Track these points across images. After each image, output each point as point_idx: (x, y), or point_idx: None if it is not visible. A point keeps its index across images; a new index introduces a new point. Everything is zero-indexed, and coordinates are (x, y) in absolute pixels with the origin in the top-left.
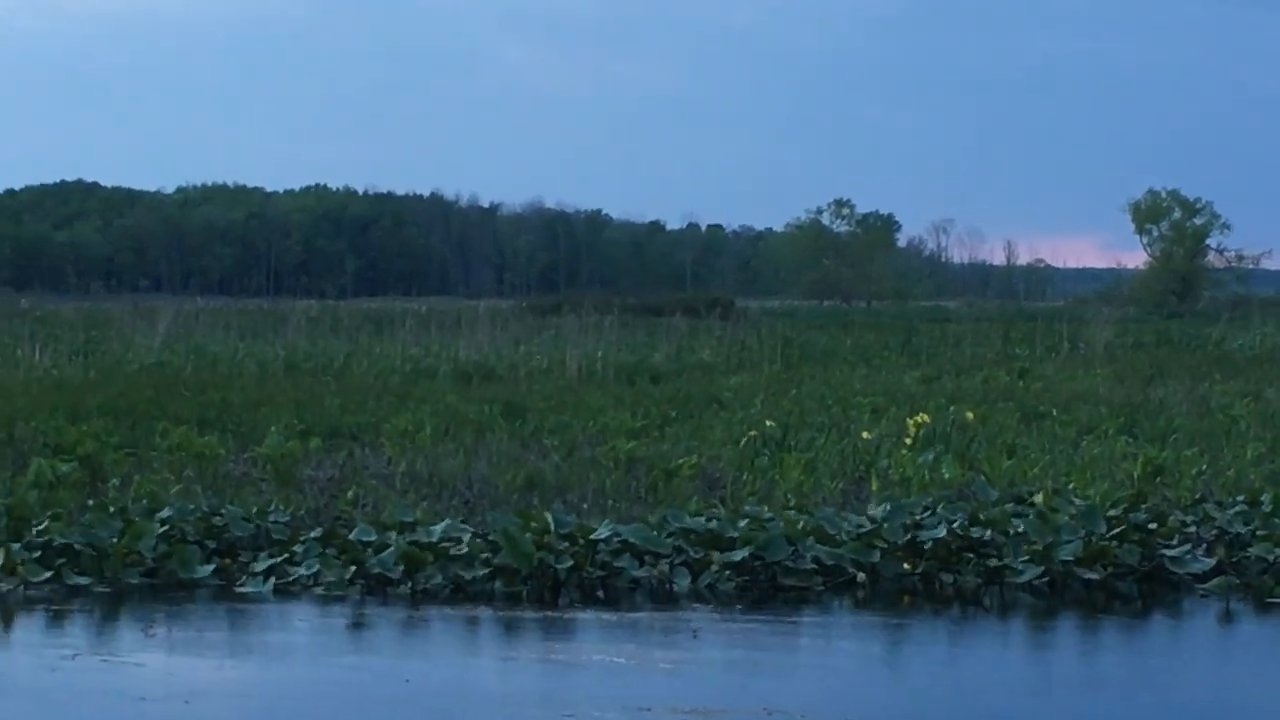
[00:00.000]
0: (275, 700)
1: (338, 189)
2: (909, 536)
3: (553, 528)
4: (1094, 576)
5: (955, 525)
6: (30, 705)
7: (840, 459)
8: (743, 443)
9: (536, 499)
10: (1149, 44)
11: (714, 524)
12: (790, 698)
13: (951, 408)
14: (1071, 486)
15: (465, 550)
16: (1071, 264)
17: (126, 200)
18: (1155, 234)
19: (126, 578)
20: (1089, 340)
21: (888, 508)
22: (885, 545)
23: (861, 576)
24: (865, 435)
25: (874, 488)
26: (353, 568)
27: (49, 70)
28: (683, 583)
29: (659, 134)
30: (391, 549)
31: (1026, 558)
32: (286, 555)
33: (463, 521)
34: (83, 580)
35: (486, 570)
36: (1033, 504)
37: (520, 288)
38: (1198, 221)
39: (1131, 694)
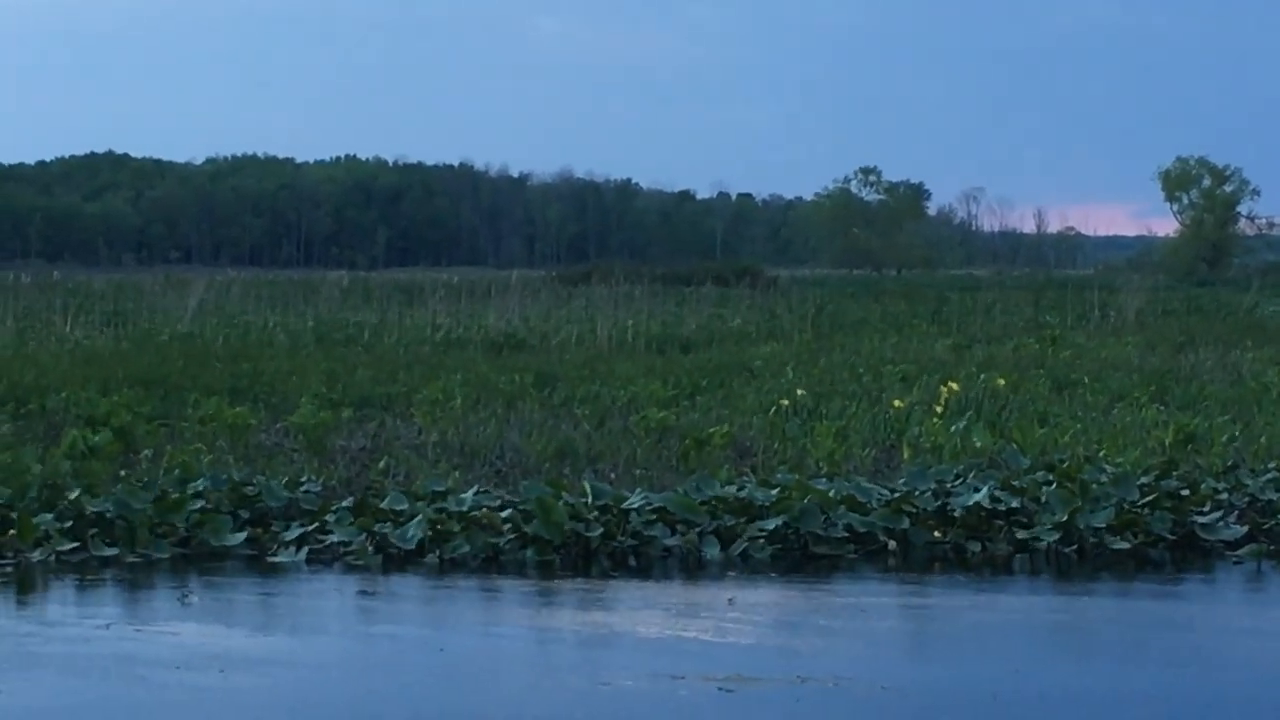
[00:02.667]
0: (310, 669)
1: (368, 159)
2: (940, 504)
3: (590, 498)
4: (1125, 545)
5: (985, 493)
6: (65, 675)
7: (871, 427)
8: (773, 411)
9: (568, 468)
10: (1178, 11)
11: (744, 492)
12: (824, 665)
13: (982, 376)
14: (1103, 454)
15: (498, 519)
16: (1102, 232)
17: (156, 172)
18: (1185, 201)
19: (159, 548)
20: (1119, 308)
21: (908, 473)
22: (916, 513)
23: (892, 544)
24: (896, 404)
25: (905, 456)
26: (382, 537)
27: (78, 42)
28: (714, 551)
29: (689, 103)
30: (419, 518)
31: (1057, 525)
32: (318, 524)
33: (484, 490)
34: (113, 550)
35: (517, 539)
36: (1064, 472)
37: (550, 257)
38: (1227, 189)
39: (1165, 660)
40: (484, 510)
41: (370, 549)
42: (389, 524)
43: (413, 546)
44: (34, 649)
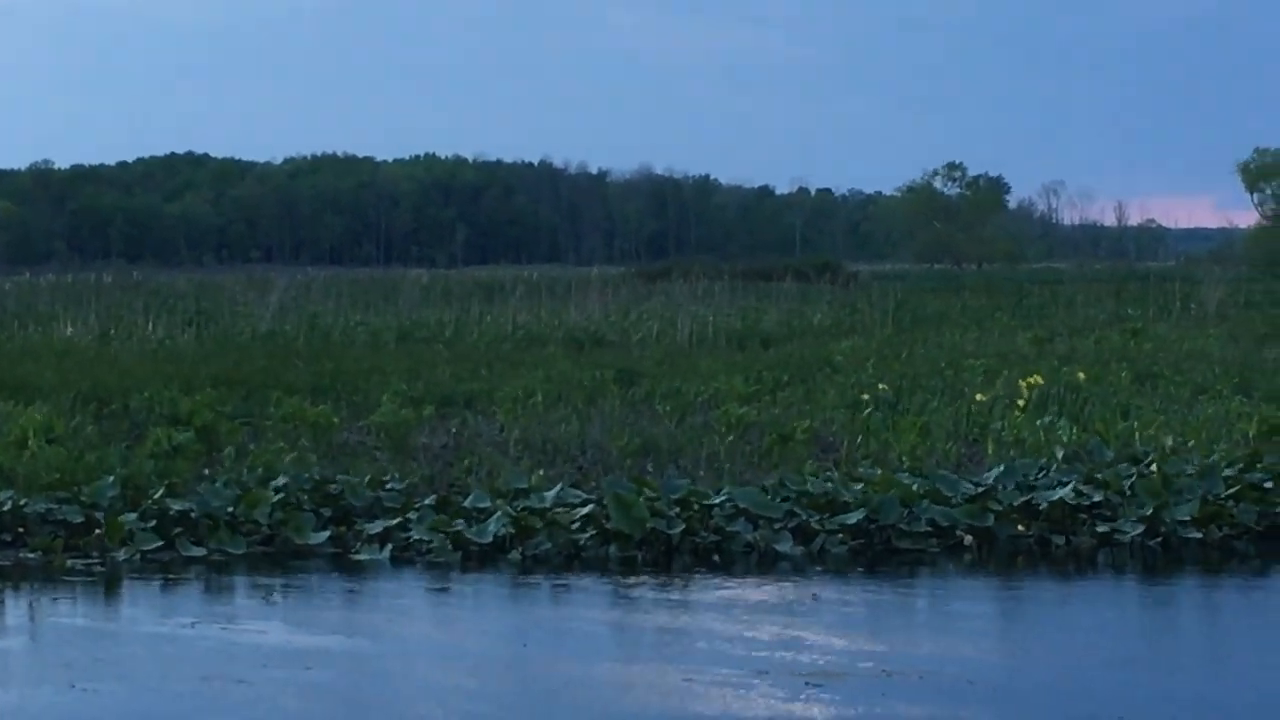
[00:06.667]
0: (395, 664)
1: (446, 157)
2: (1024, 498)
3: (661, 495)
4: (1210, 536)
5: (1070, 487)
6: (152, 674)
7: (954, 421)
8: (867, 412)
9: (650, 464)
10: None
11: (829, 487)
12: (909, 660)
13: (1064, 369)
14: (1191, 444)
15: (578, 516)
16: (1183, 224)
17: (236, 171)
18: (1267, 193)
19: (242, 547)
20: (1201, 300)
21: (1001, 468)
22: (1000, 507)
23: (969, 539)
24: (979, 397)
25: (989, 450)
26: (463, 534)
27: (157, 43)
28: (795, 547)
29: (767, 98)
30: (499, 515)
31: (1141, 518)
32: (400, 522)
33: (574, 486)
34: (198, 549)
35: (599, 535)
36: (1149, 465)
37: (629, 254)
38: None
39: (1253, 651)
40: (551, 509)
41: (450, 546)
42: (471, 521)
43: (491, 542)
44: (120, 648)
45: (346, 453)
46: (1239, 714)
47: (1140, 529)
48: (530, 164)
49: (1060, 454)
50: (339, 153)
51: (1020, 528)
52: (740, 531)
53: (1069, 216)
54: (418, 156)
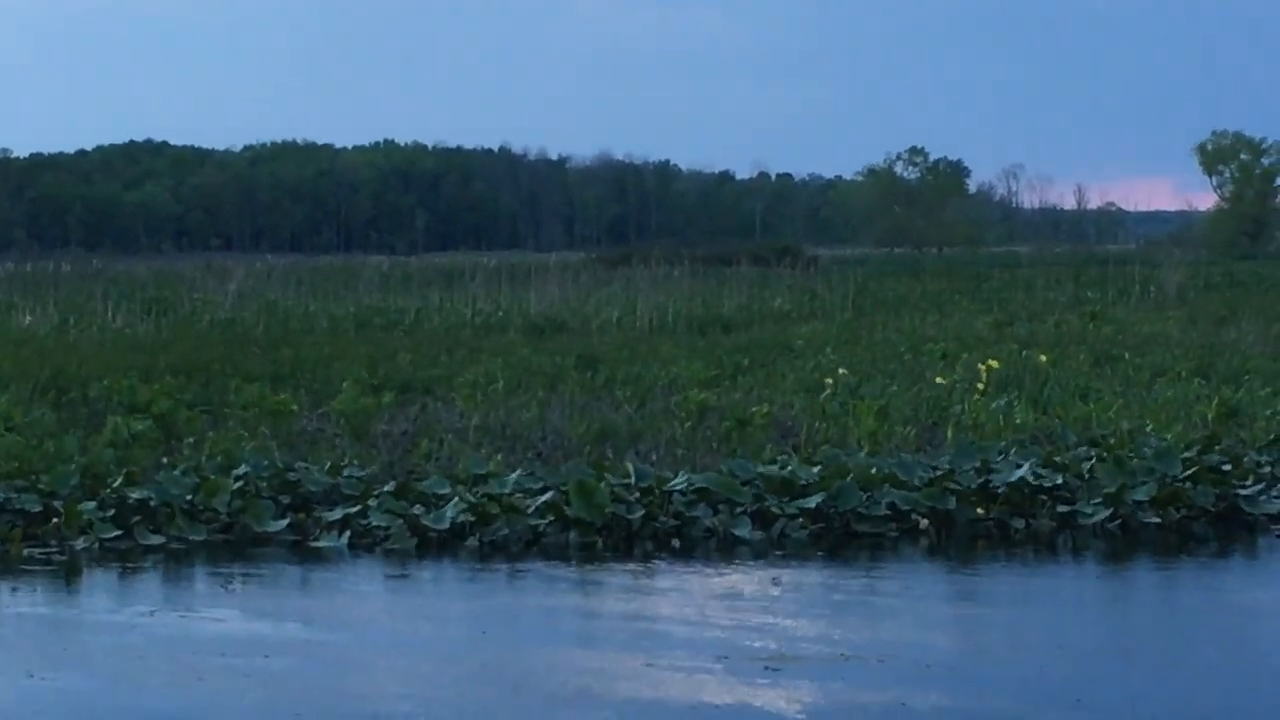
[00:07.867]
0: (354, 653)
1: (406, 144)
2: (982, 481)
3: (633, 479)
4: (1169, 519)
5: (1029, 469)
6: (111, 662)
7: (914, 405)
8: (824, 395)
9: (609, 450)
10: None
11: (787, 471)
12: (867, 644)
13: (1024, 353)
14: (1150, 429)
15: (538, 503)
16: (1143, 207)
17: (196, 159)
18: (1225, 175)
19: (201, 534)
20: (1161, 283)
21: (953, 451)
22: (959, 490)
23: (925, 523)
24: (938, 381)
25: (948, 434)
26: (422, 521)
27: (116, 30)
28: (755, 531)
29: (727, 83)
30: (455, 501)
31: (1100, 501)
32: (360, 509)
33: (530, 474)
34: (157, 537)
35: (559, 522)
36: (1107, 447)
37: (590, 240)
38: (1265, 162)
39: (1208, 632)
40: (510, 495)
41: (408, 533)
42: (429, 507)
43: (449, 528)
44: (79, 637)
45: (306, 440)
46: (1194, 697)
47: (1099, 512)
48: (490, 150)
49: (1019, 437)
50: (298, 140)
51: (980, 511)
52: (700, 517)
53: (1029, 200)
54: (377, 143)
